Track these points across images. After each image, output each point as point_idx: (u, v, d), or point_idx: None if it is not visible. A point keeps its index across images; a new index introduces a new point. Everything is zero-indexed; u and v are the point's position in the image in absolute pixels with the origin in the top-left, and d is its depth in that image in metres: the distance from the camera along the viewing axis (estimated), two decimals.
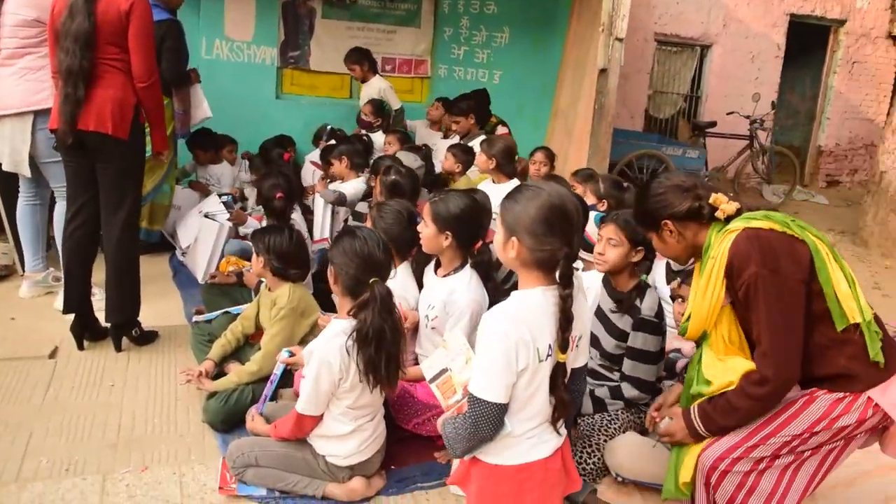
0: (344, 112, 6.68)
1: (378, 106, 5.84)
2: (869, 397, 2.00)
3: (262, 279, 3.60)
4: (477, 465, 2.05)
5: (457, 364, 2.11)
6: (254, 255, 3.20)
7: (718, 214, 2.15)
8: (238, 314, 3.59)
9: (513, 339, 1.87)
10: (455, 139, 5.83)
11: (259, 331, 3.34)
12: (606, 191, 3.93)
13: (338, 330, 2.38)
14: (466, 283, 2.83)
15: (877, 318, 2.09)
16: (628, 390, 2.79)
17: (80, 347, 3.50)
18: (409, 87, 7.06)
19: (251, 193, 5.47)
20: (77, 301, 3.41)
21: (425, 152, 5.22)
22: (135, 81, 3.19)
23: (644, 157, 7.78)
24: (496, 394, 1.89)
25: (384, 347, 2.34)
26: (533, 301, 1.95)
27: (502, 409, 1.92)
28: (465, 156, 5.16)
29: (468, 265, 2.89)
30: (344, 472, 2.53)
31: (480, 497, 2.04)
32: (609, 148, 6.13)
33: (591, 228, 3.30)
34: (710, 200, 2.16)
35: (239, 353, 3.30)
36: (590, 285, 3.33)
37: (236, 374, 3.05)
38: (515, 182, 4.59)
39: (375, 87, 6.06)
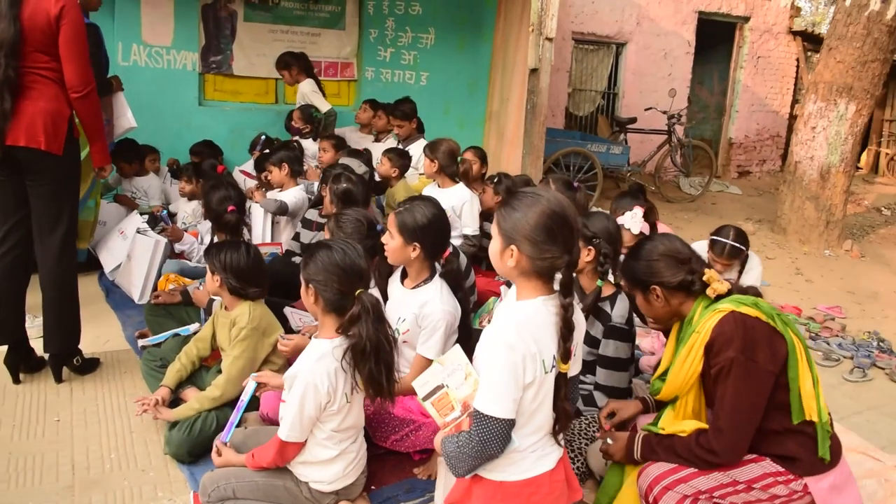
0: (271, 118, 6.46)
1: (307, 112, 5.68)
2: (805, 483, 2.11)
3: (215, 297, 3.43)
4: (480, 483, 2.00)
5: (454, 380, 2.05)
6: (208, 274, 3.02)
7: (709, 292, 2.20)
8: (188, 335, 3.41)
9: (519, 353, 1.84)
10: (389, 143, 5.75)
11: (214, 353, 3.18)
12: (559, 191, 3.94)
13: (323, 351, 2.27)
14: (438, 295, 2.76)
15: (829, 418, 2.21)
16: (601, 399, 2.80)
17: (16, 381, 3.23)
18: (336, 91, 6.90)
19: (182, 206, 5.21)
20: (11, 331, 3.15)
21: (367, 156, 5.10)
22: (69, 91, 2.96)
23: (571, 154, 7.90)
24: (504, 409, 1.86)
25: (383, 359, 2.25)
26: (534, 312, 1.92)
27: (510, 425, 1.89)
28: (401, 160, 5.08)
29: (437, 275, 2.82)
30: (329, 497, 2.42)
31: None
32: (543, 147, 6.19)
33: None
34: (704, 277, 2.21)
35: (195, 377, 3.12)
36: None
37: (197, 400, 2.88)
38: (461, 186, 4.56)
39: (300, 92, 5.90)
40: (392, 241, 2.76)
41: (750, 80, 10.71)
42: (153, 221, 4.33)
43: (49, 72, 2.92)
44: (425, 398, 2.13)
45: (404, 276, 2.93)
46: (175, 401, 3.01)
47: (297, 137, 5.77)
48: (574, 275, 2.90)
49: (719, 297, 2.18)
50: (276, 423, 2.86)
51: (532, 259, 1.89)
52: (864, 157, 12.85)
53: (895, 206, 10.10)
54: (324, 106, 5.74)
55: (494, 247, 2.00)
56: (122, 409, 3.12)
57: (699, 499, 2.15)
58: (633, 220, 3.66)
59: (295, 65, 5.85)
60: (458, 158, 4.55)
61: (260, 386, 2.67)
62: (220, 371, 3.08)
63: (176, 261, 4.37)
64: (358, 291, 2.26)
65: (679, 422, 2.26)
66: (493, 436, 1.86)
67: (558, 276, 1.94)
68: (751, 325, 2.09)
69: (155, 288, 4.21)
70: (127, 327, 3.95)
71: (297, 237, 4.42)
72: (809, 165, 7.40)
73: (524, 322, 1.89)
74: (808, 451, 2.11)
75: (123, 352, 3.68)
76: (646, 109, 9.17)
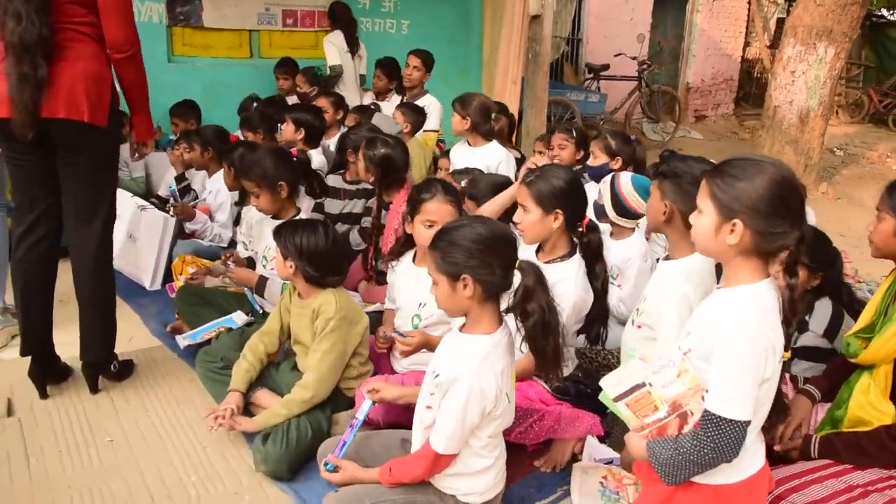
0: (246, 74, 5.89)
1: (310, 74, 5.20)
2: None
3: (270, 279, 3.03)
4: (690, 489, 1.76)
5: (662, 378, 1.76)
6: (279, 258, 2.62)
7: None
8: (240, 327, 3.01)
9: (761, 346, 1.62)
10: (393, 101, 5.31)
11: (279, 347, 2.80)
12: (618, 146, 3.68)
13: (486, 349, 1.94)
14: (574, 275, 2.46)
15: None
16: None
17: (44, 395, 2.76)
18: (314, 42, 6.29)
19: (170, 179, 4.61)
20: (39, 339, 2.67)
21: (376, 112, 4.68)
22: (111, 51, 2.47)
23: (551, 104, 7.61)
24: (744, 411, 1.63)
25: (560, 326, 1.98)
26: (762, 296, 1.68)
27: (747, 426, 1.65)
28: (414, 115, 4.72)
29: (578, 253, 2.52)
30: None
31: None
32: (546, 98, 5.90)
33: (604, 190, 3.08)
34: None
35: (264, 377, 2.73)
36: (631, 256, 3.11)
37: (283, 405, 2.51)
38: (494, 144, 4.21)
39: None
40: (529, 216, 2.45)
41: (706, 23, 10.67)
42: (174, 195, 3.76)
43: (87, 27, 2.40)
44: (617, 399, 1.85)
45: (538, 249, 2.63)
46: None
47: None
48: None
49: None
50: (376, 425, 2.55)
51: (760, 235, 1.65)
52: None
53: (846, 147, 10.37)
54: (330, 59, 5.25)
55: (705, 222, 1.73)
56: (181, 420, 2.71)
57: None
58: None
59: (330, 15, 5.55)
60: (493, 115, 4.19)
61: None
62: (294, 368, 2.73)
63: (189, 241, 3.88)
64: (518, 261, 1.95)
65: (873, 404, 2.08)
66: (731, 440, 1.63)
67: None
68: None
69: (169, 272, 3.74)
70: (148, 320, 3.47)
71: (318, 208, 4.00)
72: (789, 110, 7.39)
73: (757, 310, 1.65)
74: None
75: (155, 349, 3.22)
76: (615, 55, 8.97)
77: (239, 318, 3.10)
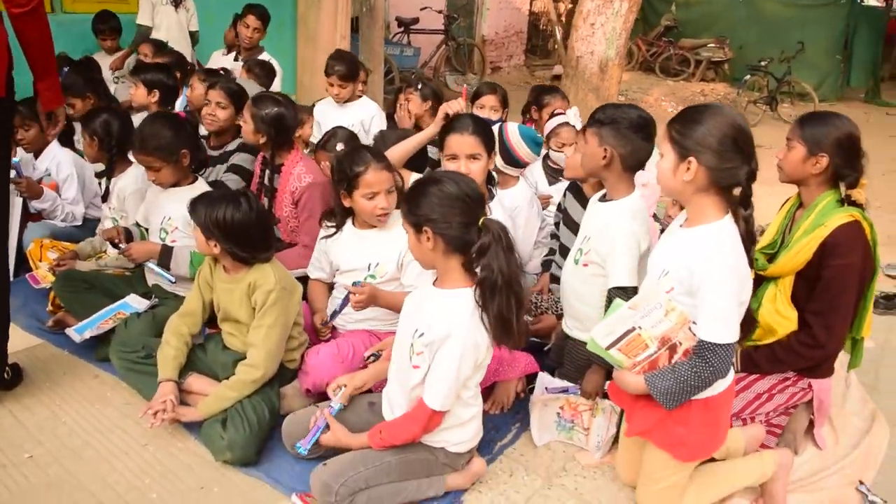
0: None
1: (157, 46, 4.71)
2: (810, 382, 2.40)
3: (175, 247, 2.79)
4: (684, 406, 1.95)
5: (650, 320, 1.91)
6: (199, 235, 2.41)
7: (855, 194, 2.27)
8: (148, 311, 2.75)
9: (738, 276, 1.86)
10: (230, 58, 4.98)
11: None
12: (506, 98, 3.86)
13: (473, 301, 1.97)
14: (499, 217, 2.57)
15: None
16: None
17: None
18: None
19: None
20: None
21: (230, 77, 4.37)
22: (7, 6, 2.09)
23: None
24: (732, 334, 1.87)
25: (515, 293, 1.95)
26: (729, 229, 1.90)
27: (734, 345, 1.90)
28: (263, 70, 4.48)
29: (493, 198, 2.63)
30: (464, 457, 2.20)
31: (699, 435, 2.00)
32: (382, 53, 5.85)
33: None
34: (860, 181, 2.28)
35: (193, 361, 2.54)
36: (519, 204, 3.29)
37: (231, 387, 2.37)
38: (366, 99, 4.15)
39: None
40: (479, 162, 2.59)
41: None
42: (16, 170, 3.22)
43: None
44: (610, 346, 1.98)
45: None
46: None
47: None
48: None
49: (851, 202, 2.29)
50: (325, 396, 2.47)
51: (713, 170, 1.85)
52: None
53: (626, 93, 11.44)
54: (139, 17, 4.84)
55: (665, 164, 1.94)
56: (104, 422, 2.44)
57: (731, 422, 2.31)
58: (576, 119, 3.71)
59: None
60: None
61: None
62: (226, 348, 2.57)
63: (42, 223, 3.40)
64: (482, 219, 2.00)
65: (780, 312, 2.38)
66: (725, 360, 1.87)
67: None
68: (867, 240, 2.28)
69: (23, 260, 3.27)
70: (15, 316, 2.93)
71: None
72: (590, 60, 8.01)
73: (730, 243, 1.87)
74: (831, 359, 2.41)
75: (37, 347, 2.84)
76: (422, 9, 9.06)
77: (135, 301, 2.82)
